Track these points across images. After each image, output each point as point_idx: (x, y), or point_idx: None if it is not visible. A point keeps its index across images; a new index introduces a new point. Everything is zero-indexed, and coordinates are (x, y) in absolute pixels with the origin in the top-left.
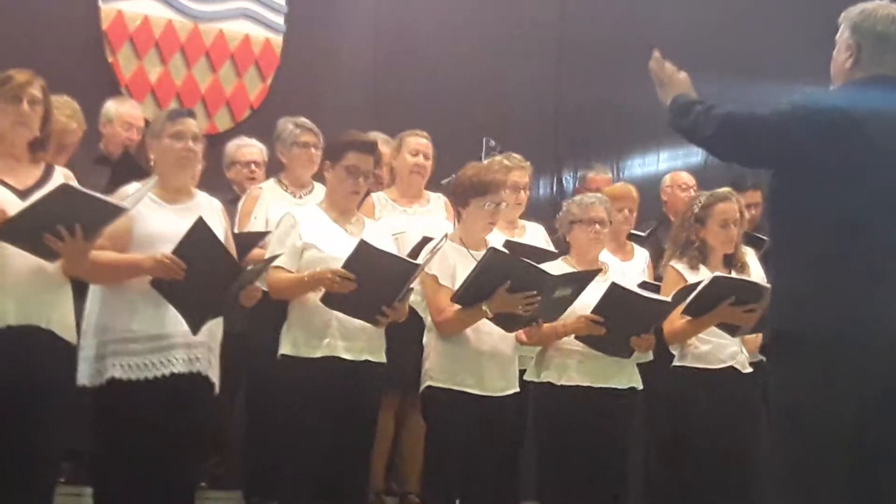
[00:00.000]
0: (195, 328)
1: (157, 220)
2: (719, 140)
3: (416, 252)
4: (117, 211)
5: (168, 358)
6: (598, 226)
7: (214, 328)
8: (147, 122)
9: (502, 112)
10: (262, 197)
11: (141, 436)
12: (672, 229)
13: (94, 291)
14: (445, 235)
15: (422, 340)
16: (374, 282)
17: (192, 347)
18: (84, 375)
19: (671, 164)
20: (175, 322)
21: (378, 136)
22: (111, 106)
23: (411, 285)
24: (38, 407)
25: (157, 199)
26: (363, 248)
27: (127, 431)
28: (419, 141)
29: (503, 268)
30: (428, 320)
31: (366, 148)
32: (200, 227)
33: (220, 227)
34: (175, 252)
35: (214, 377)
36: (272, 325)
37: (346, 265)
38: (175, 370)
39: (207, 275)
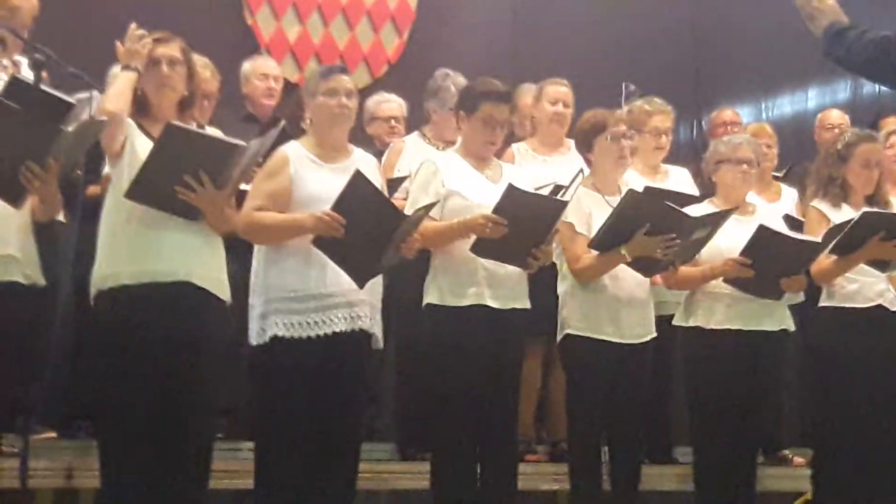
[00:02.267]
0: (361, 283)
1: (316, 180)
2: (873, 65)
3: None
4: (233, 149)
5: (330, 317)
6: (745, 166)
7: (376, 284)
8: (287, 80)
9: (641, 56)
10: (405, 150)
11: (302, 392)
12: (814, 164)
13: (258, 251)
14: (581, 171)
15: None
16: (523, 225)
17: (355, 305)
18: (252, 334)
19: (820, 102)
20: (337, 280)
21: (520, 86)
22: (246, 65)
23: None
24: (193, 363)
25: (315, 158)
26: (512, 192)
27: (289, 388)
28: (558, 89)
29: (641, 210)
30: (563, 268)
31: (501, 97)
32: (359, 181)
33: (377, 181)
34: (334, 208)
35: (378, 333)
36: (417, 275)
37: (497, 210)
38: (337, 329)
39: (369, 228)
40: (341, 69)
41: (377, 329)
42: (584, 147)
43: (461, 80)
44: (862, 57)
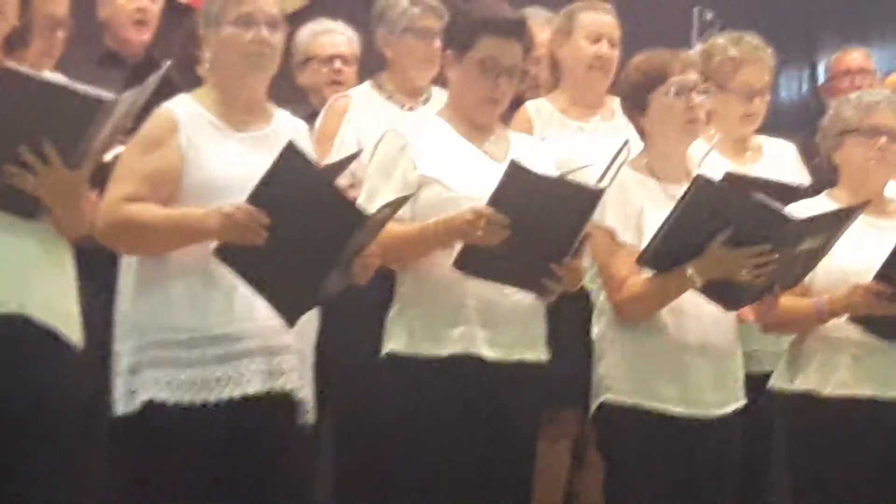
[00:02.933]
0: (291, 319)
1: (219, 156)
2: None
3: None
4: (95, 105)
5: (239, 371)
6: (884, 138)
7: (308, 323)
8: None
9: None
10: (351, 109)
11: (192, 487)
12: None
13: (127, 268)
14: (627, 143)
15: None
16: (536, 226)
17: (276, 354)
18: (117, 398)
19: None
20: (249, 314)
21: (533, 12)
22: None
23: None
24: (25, 441)
25: (218, 122)
26: (517, 173)
27: (172, 481)
28: (599, 18)
29: (719, 207)
30: (600, 299)
31: (508, 29)
32: (293, 158)
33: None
34: (252, 199)
35: (309, 397)
36: (370, 310)
37: (494, 201)
38: (248, 390)
39: (308, 234)
40: None
41: (307, 391)
42: (635, 107)
43: None
44: None
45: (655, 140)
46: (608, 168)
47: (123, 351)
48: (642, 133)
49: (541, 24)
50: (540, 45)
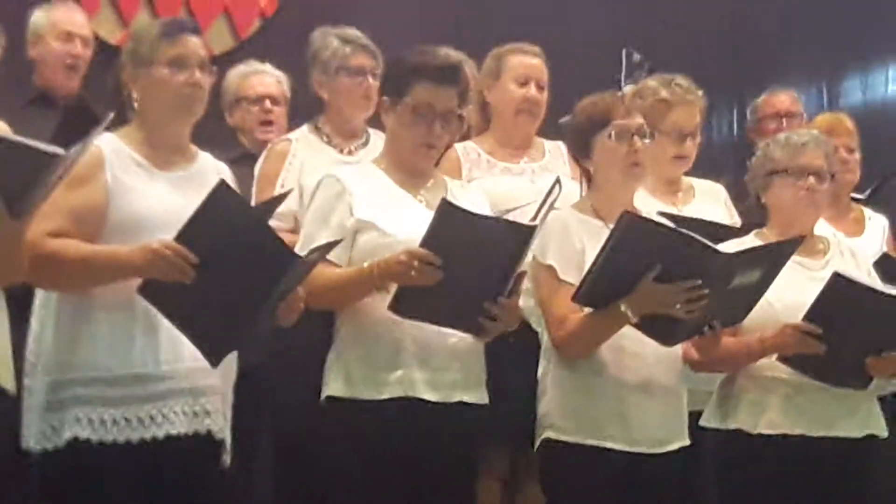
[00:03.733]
0: (215, 359)
1: (145, 193)
2: None
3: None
4: (48, 160)
5: (162, 411)
6: (812, 178)
7: (228, 363)
8: (100, 41)
9: (650, 13)
10: (292, 153)
11: None
12: None
13: (45, 304)
14: (558, 181)
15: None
16: (469, 266)
17: (200, 395)
18: (30, 434)
19: None
20: (174, 354)
21: (461, 57)
22: (39, 16)
23: (523, 268)
24: None
25: (143, 161)
26: (449, 213)
27: None
28: (527, 61)
29: (647, 244)
30: (545, 337)
31: (443, 75)
32: (225, 196)
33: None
34: (180, 237)
35: (228, 439)
36: (309, 353)
37: (427, 241)
38: (173, 430)
39: (237, 272)
40: (191, 27)
41: (227, 434)
42: (580, 150)
43: (352, 32)
44: None
45: (599, 183)
46: (541, 207)
47: (37, 386)
48: (588, 175)
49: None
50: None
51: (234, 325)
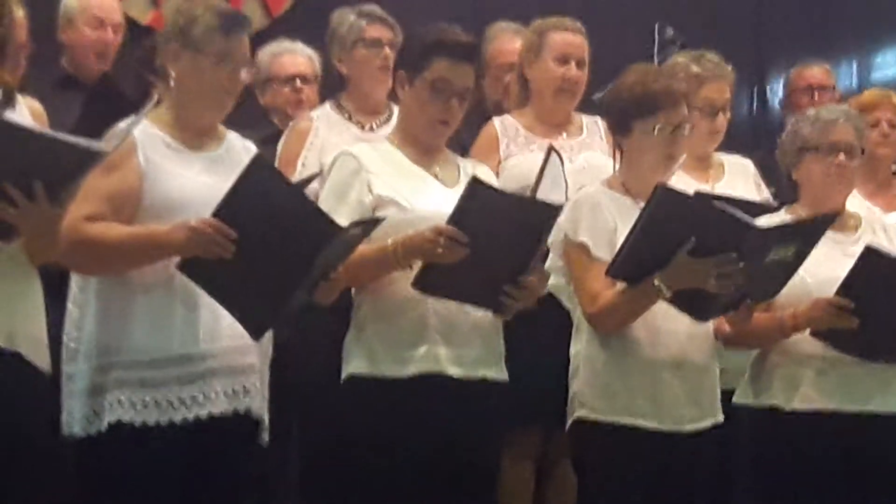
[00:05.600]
0: (257, 333)
1: (178, 175)
2: None
3: None
4: (90, 157)
5: (203, 391)
6: (842, 155)
7: (265, 341)
8: (132, 22)
9: None
10: (313, 131)
11: None
12: None
13: (81, 288)
14: (551, 149)
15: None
16: (494, 244)
17: (239, 373)
18: (74, 419)
19: None
20: (214, 333)
21: (504, 25)
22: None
23: (547, 246)
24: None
25: (175, 143)
26: (478, 191)
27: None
28: (568, 38)
29: (681, 218)
30: (577, 314)
31: (461, 52)
32: (260, 169)
33: None
34: (218, 213)
35: (266, 418)
36: (330, 331)
37: (454, 218)
38: (214, 409)
39: (278, 246)
40: (248, 24)
41: (265, 411)
42: (618, 128)
43: (370, 7)
44: None
45: (632, 162)
46: (539, 178)
47: (79, 372)
48: (621, 150)
49: (511, 36)
50: (510, 54)
51: (276, 298)
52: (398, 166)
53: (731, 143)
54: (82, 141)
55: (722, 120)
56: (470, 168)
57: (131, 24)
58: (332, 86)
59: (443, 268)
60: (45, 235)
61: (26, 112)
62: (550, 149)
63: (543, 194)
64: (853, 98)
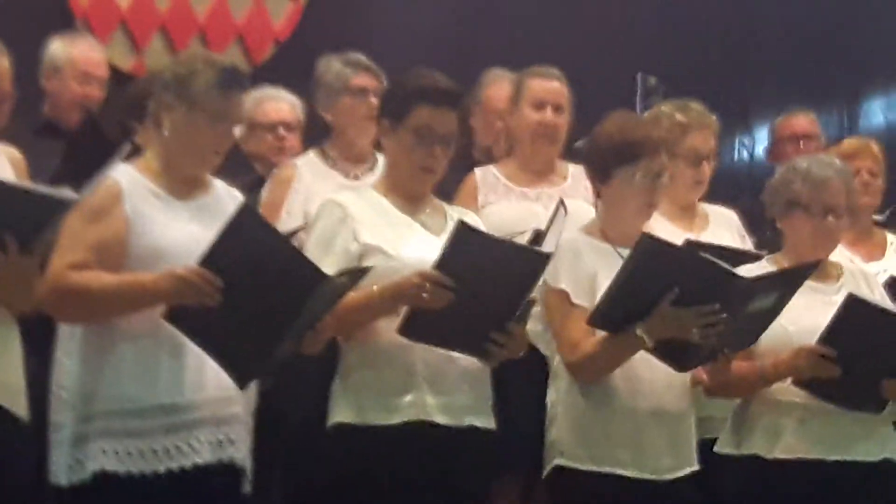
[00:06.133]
0: (243, 382)
1: (164, 223)
2: None
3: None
4: (61, 206)
5: (189, 441)
6: (832, 216)
7: (250, 390)
8: (119, 70)
9: (663, 39)
10: (297, 179)
11: None
12: None
13: (68, 337)
14: (561, 202)
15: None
16: (481, 290)
17: (223, 424)
18: (59, 469)
19: None
20: (200, 383)
21: (499, 73)
22: (58, 48)
23: (533, 295)
24: None
25: (161, 192)
26: (464, 234)
27: None
28: (545, 85)
29: (665, 267)
30: (555, 361)
31: (443, 99)
32: (247, 217)
33: None
34: (205, 261)
35: (249, 467)
36: (314, 379)
37: (441, 263)
38: (199, 460)
39: (265, 295)
40: (247, 84)
41: (249, 461)
42: (598, 175)
43: (356, 56)
44: None
45: (612, 209)
46: (547, 231)
47: (65, 421)
48: (599, 196)
49: (505, 83)
50: (502, 101)
51: (262, 348)
52: (384, 214)
53: (716, 193)
54: (52, 191)
55: (706, 169)
56: (456, 216)
57: (112, 71)
58: (315, 133)
59: (429, 313)
60: (20, 285)
61: (5, 160)
62: (560, 202)
63: (551, 246)
64: (833, 146)
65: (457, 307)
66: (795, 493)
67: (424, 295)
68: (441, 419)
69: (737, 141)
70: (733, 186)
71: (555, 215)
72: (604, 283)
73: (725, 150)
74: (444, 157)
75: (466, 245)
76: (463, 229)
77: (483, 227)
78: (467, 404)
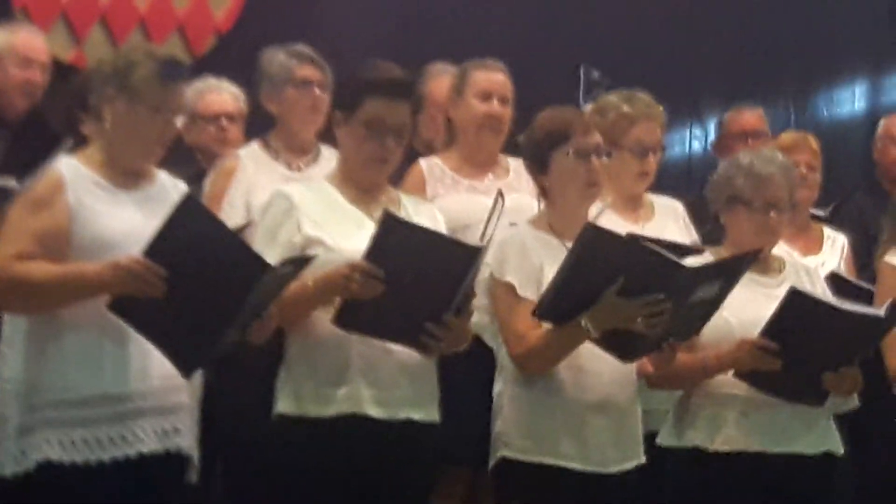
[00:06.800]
0: (188, 371)
1: (108, 214)
2: None
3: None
4: (4, 196)
5: (133, 430)
6: (774, 212)
7: (195, 379)
8: (60, 62)
9: (609, 28)
10: (240, 170)
11: None
12: (891, 205)
13: (12, 328)
14: (500, 194)
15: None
16: (413, 281)
17: (169, 413)
18: (4, 461)
19: (875, 102)
20: (144, 373)
21: (441, 67)
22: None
23: (473, 287)
24: None
25: (105, 182)
26: (391, 225)
27: None
28: (490, 76)
29: (609, 257)
30: (501, 354)
31: (395, 90)
32: (190, 207)
33: None
34: (148, 251)
35: (195, 456)
36: (258, 371)
37: (369, 254)
38: (144, 448)
39: (208, 284)
40: (188, 74)
41: (195, 449)
42: (536, 166)
43: (300, 48)
44: None
45: (555, 199)
46: (486, 224)
47: (11, 413)
48: (544, 191)
49: (447, 77)
50: (435, 99)
51: (207, 337)
52: (333, 207)
53: (665, 184)
54: None
55: (652, 161)
56: (411, 208)
57: (53, 63)
58: (257, 124)
59: (361, 304)
60: None
61: None
62: (499, 193)
63: (490, 238)
64: (772, 140)
65: (389, 298)
66: (736, 485)
67: (354, 285)
68: (375, 412)
69: (688, 132)
70: (685, 177)
71: (493, 207)
72: (550, 276)
73: (676, 142)
74: (397, 148)
75: (394, 235)
76: (389, 220)
77: (440, 218)
78: (405, 397)
